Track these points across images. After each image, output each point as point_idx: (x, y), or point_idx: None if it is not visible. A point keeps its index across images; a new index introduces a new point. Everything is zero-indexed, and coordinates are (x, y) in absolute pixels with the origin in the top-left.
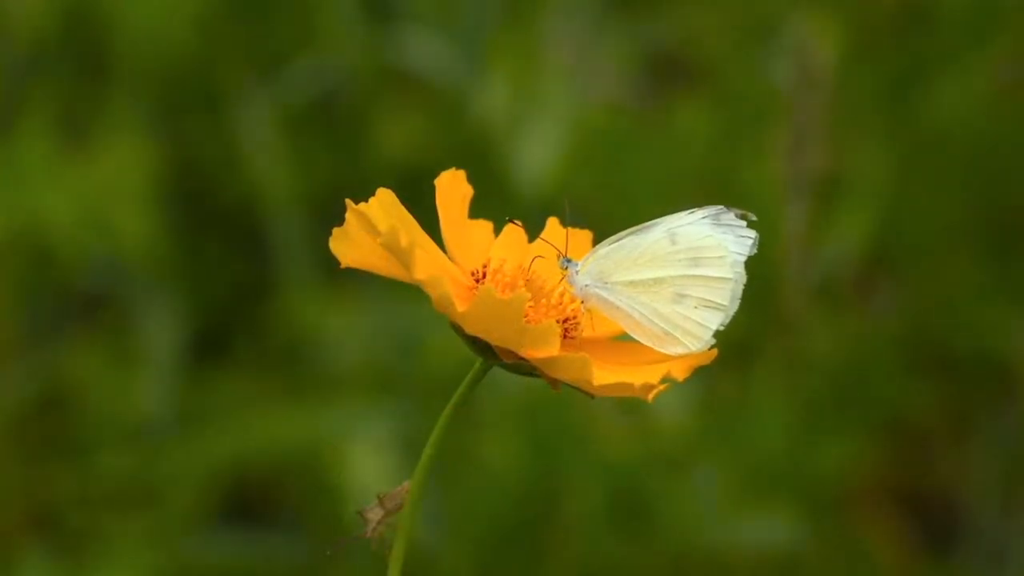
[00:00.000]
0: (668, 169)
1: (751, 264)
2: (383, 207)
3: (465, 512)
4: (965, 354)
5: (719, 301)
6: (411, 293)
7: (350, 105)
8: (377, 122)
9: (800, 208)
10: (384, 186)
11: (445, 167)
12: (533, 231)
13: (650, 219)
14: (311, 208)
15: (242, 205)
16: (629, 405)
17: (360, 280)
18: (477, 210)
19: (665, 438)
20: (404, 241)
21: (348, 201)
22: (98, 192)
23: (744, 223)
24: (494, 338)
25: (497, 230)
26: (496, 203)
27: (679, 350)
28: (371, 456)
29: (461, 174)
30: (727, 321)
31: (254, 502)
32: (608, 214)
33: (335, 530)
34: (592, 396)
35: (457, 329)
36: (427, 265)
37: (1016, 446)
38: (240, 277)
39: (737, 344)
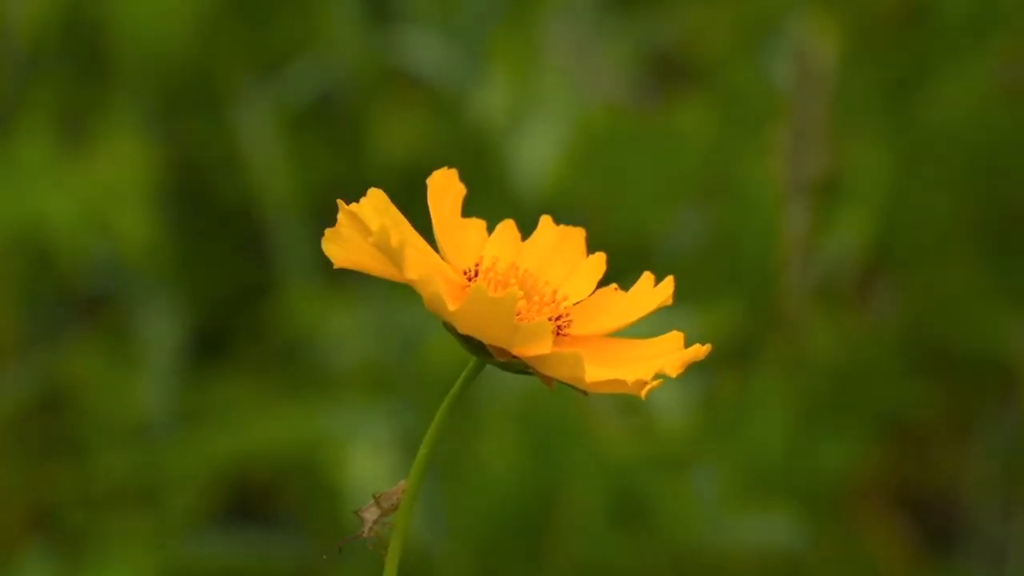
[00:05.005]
0: (668, 169)
1: (751, 264)
2: (375, 207)
3: (464, 512)
4: (965, 354)
5: None
6: (410, 293)
7: (350, 105)
8: (377, 122)
9: (800, 208)
10: (383, 186)
11: (445, 167)
12: (531, 231)
13: (649, 220)
14: (311, 208)
15: (242, 205)
16: (629, 405)
17: (360, 280)
18: (476, 210)
19: (665, 438)
20: (395, 241)
21: (340, 202)
22: (98, 192)
23: None
24: (486, 336)
25: (491, 229)
26: (495, 203)
27: None
28: (370, 456)
29: (453, 173)
30: None
31: (254, 502)
32: (607, 214)
33: (334, 530)
34: (585, 393)
35: (450, 328)
36: (419, 264)
37: (1016, 446)
38: (240, 277)
39: (737, 344)
